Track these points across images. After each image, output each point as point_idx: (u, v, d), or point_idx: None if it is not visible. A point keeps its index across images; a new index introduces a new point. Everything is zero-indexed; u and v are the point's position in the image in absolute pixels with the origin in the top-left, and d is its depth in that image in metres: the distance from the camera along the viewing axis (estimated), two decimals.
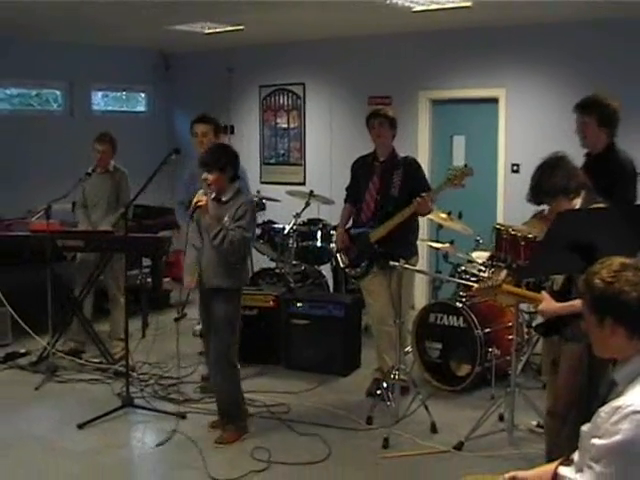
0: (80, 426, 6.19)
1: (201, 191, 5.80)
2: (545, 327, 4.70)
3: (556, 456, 4.53)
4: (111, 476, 5.47)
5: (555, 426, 4.71)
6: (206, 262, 5.87)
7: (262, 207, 8.41)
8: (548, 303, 4.44)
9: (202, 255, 5.91)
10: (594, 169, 5.30)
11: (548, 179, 4.45)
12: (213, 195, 5.78)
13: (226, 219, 5.72)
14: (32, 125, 10.68)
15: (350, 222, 7.12)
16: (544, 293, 4.56)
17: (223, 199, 5.81)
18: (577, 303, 4.21)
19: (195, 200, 5.75)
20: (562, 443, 4.54)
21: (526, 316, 7.32)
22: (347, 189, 7.23)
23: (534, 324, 7.07)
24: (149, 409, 6.53)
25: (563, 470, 3.06)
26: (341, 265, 7.33)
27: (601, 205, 4.43)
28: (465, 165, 6.82)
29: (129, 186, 7.86)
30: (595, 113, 5.50)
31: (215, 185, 5.75)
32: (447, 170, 6.68)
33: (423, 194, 6.54)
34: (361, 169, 7.02)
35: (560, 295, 4.51)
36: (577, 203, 4.46)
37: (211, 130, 7.17)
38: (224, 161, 5.79)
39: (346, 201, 7.22)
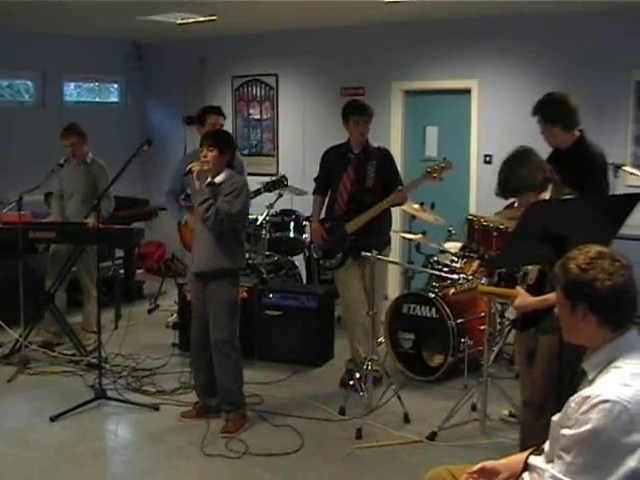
0: (53, 418, 6.16)
1: (198, 162, 5.91)
2: (521, 322, 4.74)
3: (530, 446, 4.59)
4: (84, 468, 5.45)
5: (531, 416, 4.75)
6: (203, 243, 5.90)
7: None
8: (524, 298, 4.46)
9: (198, 239, 5.96)
10: (565, 162, 5.33)
11: (515, 174, 4.49)
12: (208, 180, 5.85)
13: (220, 199, 5.79)
14: (3, 116, 10.60)
15: (323, 213, 7.13)
16: (519, 288, 4.59)
17: (216, 181, 5.87)
18: (552, 296, 4.26)
19: (190, 165, 5.88)
20: (537, 433, 4.58)
21: (499, 306, 7.35)
22: (316, 180, 7.21)
23: (506, 315, 7.14)
24: (122, 401, 6.51)
25: (534, 460, 3.08)
26: (315, 256, 7.33)
27: (571, 196, 4.46)
28: (444, 159, 6.82)
29: (108, 178, 7.79)
30: (541, 114, 5.56)
31: (211, 162, 5.82)
32: (423, 162, 6.69)
33: (400, 187, 6.56)
34: (334, 160, 6.98)
35: (535, 289, 4.54)
36: (545, 197, 4.49)
37: (220, 119, 7.38)
38: (226, 144, 5.94)
39: (315, 192, 7.20)
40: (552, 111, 5.52)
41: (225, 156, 5.90)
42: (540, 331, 4.59)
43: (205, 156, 5.84)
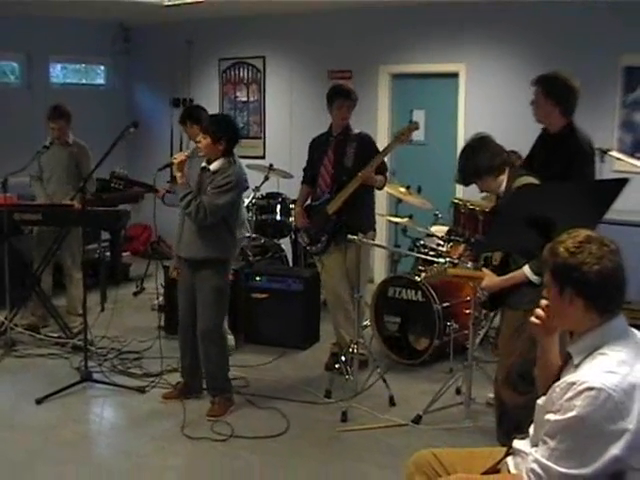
0: (38, 401, 6.16)
1: (181, 152, 5.86)
2: (490, 302, 4.85)
3: (505, 419, 4.70)
4: (70, 451, 5.45)
5: (496, 390, 4.90)
6: (188, 233, 5.86)
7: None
8: (490, 278, 4.67)
9: (183, 226, 5.92)
10: (552, 145, 5.33)
11: (472, 161, 4.64)
12: (204, 164, 5.85)
13: (208, 189, 5.74)
14: None
15: (309, 200, 7.12)
16: (485, 270, 4.71)
17: (211, 168, 5.81)
18: (518, 274, 4.50)
19: (173, 157, 5.88)
20: (509, 406, 4.68)
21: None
22: (304, 170, 7.20)
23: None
24: (108, 383, 6.51)
25: (518, 444, 3.10)
26: (303, 244, 7.32)
27: (534, 180, 4.54)
28: (410, 121, 6.87)
29: (90, 160, 7.75)
30: (542, 84, 5.48)
31: (204, 150, 5.81)
32: (410, 144, 6.71)
33: (368, 165, 6.55)
34: (317, 147, 7.01)
35: (500, 269, 4.66)
36: (503, 179, 4.64)
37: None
38: (221, 132, 5.81)
39: (303, 182, 7.19)
40: (555, 86, 5.39)
41: (219, 144, 5.78)
42: (506, 306, 4.70)
43: (199, 141, 5.83)
